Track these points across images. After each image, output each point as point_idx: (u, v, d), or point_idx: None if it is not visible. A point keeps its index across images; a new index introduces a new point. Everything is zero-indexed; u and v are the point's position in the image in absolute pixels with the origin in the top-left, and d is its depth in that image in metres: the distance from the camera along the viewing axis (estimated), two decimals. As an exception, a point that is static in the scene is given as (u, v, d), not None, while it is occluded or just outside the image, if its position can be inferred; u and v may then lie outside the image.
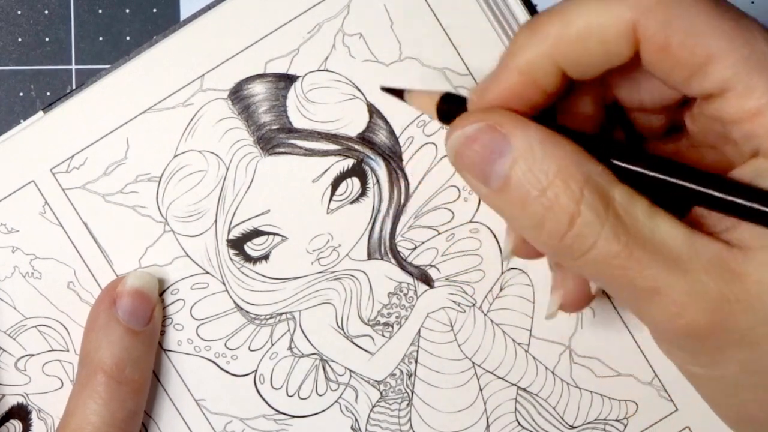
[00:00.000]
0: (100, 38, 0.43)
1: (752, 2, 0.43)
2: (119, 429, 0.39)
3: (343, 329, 0.42)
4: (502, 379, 0.42)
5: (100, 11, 0.43)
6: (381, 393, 0.42)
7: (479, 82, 0.33)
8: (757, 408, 0.31)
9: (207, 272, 0.41)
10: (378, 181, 0.42)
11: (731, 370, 0.30)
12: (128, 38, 0.43)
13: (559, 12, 0.31)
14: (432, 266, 0.42)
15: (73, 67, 0.43)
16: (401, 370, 0.42)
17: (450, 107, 0.35)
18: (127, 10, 0.43)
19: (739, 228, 0.30)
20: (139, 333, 0.40)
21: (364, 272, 0.42)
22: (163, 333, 0.42)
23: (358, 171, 0.41)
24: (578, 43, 0.31)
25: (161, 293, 0.41)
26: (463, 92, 0.41)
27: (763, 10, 0.43)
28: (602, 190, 0.30)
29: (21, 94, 0.43)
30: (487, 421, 0.42)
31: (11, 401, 0.42)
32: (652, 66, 0.31)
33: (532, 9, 0.41)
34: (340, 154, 0.41)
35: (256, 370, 0.42)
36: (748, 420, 0.32)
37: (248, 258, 0.41)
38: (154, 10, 0.43)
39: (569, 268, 0.32)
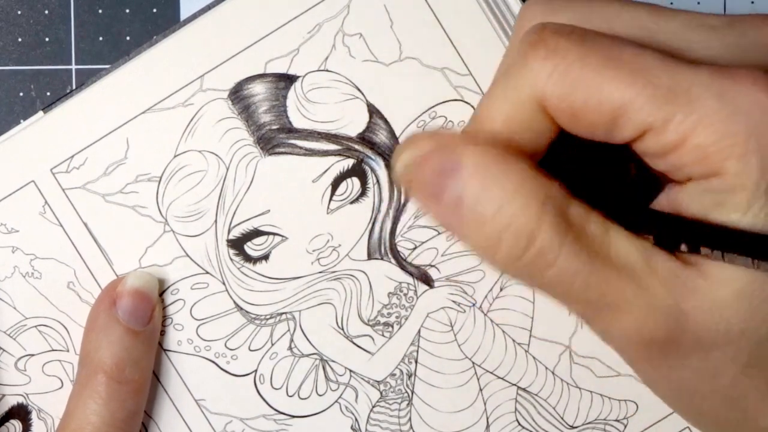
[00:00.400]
0: (100, 38, 0.43)
1: (752, 2, 0.43)
2: (119, 429, 0.39)
3: (343, 329, 0.42)
4: (502, 379, 0.42)
5: (100, 11, 0.43)
6: (381, 393, 0.42)
7: None
8: (712, 411, 0.32)
9: (207, 272, 0.41)
10: (378, 181, 0.42)
11: (686, 375, 0.31)
12: (128, 38, 0.43)
13: (475, 127, 0.31)
14: (432, 266, 0.42)
15: (73, 67, 0.43)
16: (401, 370, 0.42)
17: None
18: (127, 10, 0.43)
19: None
20: (139, 333, 0.40)
21: (364, 272, 0.42)
22: (163, 333, 0.41)
23: (358, 171, 0.41)
24: (508, 138, 0.31)
25: (161, 293, 0.41)
26: (462, 92, 0.41)
27: (762, 10, 0.43)
28: (561, 207, 0.30)
29: (21, 94, 0.43)
30: (487, 421, 0.42)
31: (11, 401, 0.42)
32: (573, 130, 0.30)
33: (532, 9, 0.41)
34: (340, 154, 0.41)
35: (256, 370, 0.42)
36: (706, 423, 0.33)
37: (248, 258, 0.41)
38: (154, 10, 0.43)
39: (527, 286, 0.32)
